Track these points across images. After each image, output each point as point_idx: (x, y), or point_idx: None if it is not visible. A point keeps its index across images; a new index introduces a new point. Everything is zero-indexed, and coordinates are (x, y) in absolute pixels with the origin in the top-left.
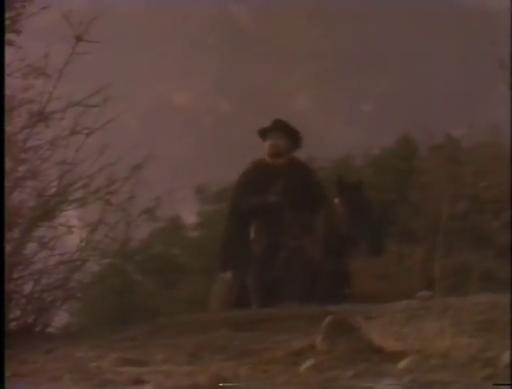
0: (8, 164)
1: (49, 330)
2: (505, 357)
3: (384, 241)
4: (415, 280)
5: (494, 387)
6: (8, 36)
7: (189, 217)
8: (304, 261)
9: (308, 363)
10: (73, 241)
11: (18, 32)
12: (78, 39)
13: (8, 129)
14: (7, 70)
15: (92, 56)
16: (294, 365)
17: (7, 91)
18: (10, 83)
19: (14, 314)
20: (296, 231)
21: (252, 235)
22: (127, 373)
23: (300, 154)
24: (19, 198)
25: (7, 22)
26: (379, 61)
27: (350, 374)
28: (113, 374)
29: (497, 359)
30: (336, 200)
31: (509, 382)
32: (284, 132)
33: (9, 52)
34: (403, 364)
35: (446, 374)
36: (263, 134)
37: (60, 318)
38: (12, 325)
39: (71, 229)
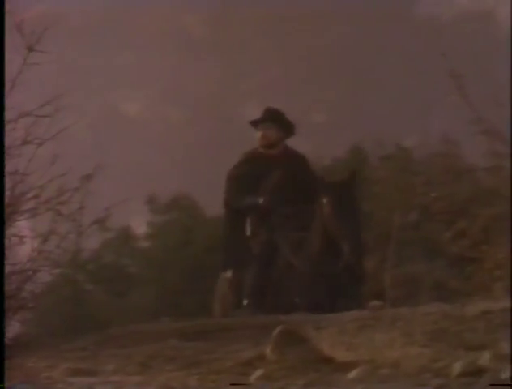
0: None
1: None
2: (456, 367)
3: (364, 242)
4: (365, 290)
5: (491, 388)
6: None
7: (140, 227)
8: (305, 258)
9: (257, 373)
10: (25, 251)
11: None
12: (30, 49)
13: None
14: None
15: (44, 66)
16: (244, 375)
17: None
18: None
19: None
20: (294, 223)
21: (248, 231)
22: (78, 383)
23: None
24: None
25: None
26: (329, 71)
27: (300, 383)
28: (63, 384)
29: (447, 369)
30: (324, 200)
31: (507, 383)
32: (275, 122)
33: None
34: (353, 374)
35: (397, 384)
36: (255, 124)
37: (12, 328)
38: None
39: (23, 240)
